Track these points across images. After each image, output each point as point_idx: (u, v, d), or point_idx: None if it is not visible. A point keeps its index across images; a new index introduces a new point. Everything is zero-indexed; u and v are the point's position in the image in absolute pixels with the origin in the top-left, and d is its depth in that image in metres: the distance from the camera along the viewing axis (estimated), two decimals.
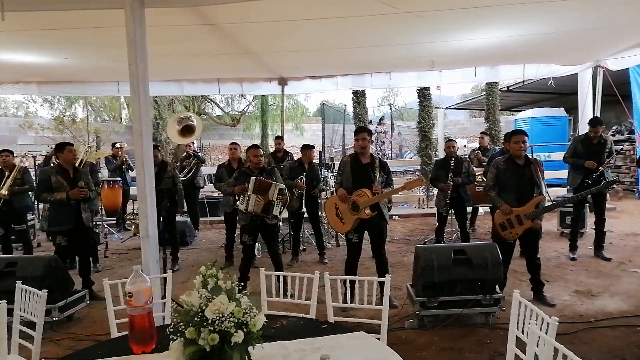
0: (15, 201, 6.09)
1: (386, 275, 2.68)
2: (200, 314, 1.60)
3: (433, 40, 5.81)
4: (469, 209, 7.64)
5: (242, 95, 19.33)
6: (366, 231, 4.57)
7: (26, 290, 2.60)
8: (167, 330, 1.68)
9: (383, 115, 20.09)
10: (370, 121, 15.71)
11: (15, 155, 6.51)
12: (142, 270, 2.04)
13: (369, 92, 14.61)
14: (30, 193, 6.78)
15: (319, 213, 6.70)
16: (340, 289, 2.75)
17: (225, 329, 1.56)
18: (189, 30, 4.93)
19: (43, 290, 2.49)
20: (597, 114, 7.84)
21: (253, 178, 4.72)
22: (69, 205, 4.85)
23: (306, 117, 23.36)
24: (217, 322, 1.56)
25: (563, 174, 10.52)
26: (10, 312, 2.52)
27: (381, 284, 2.65)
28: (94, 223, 5.34)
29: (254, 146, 5.10)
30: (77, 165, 6.24)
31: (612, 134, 13.00)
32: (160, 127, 14.11)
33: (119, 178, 7.89)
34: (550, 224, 7.65)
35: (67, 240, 4.90)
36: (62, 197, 4.78)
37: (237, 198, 4.92)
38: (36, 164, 9.96)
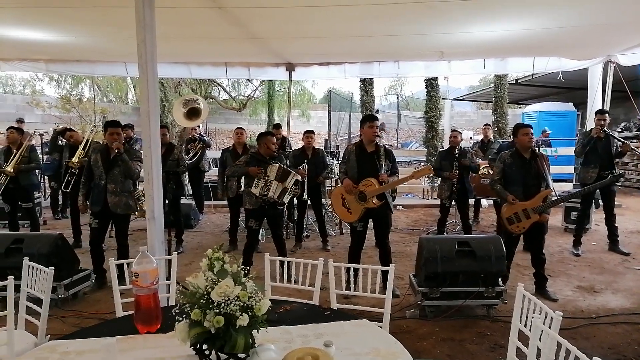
0: (21, 179, 6.11)
1: (390, 264, 2.69)
2: (206, 296, 1.62)
3: (443, 31, 5.74)
4: (472, 201, 7.63)
5: (249, 80, 19.27)
6: (371, 220, 4.58)
7: (33, 267, 2.63)
8: (173, 311, 1.70)
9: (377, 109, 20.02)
10: (377, 110, 15.63)
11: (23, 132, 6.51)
12: (147, 251, 2.05)
13: (376, 81, 14.52)
14: (36, 171, 6.80)
15: (322, 200, 6.71)
16: (344, 276, 2.75)
17: (231, 312, 1.57)
18: (198, 13, 4.90)
19: (50, 268, 2.51)
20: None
21: (277, 165, 4.71)
22: (98, 187, 4.63)
23: (313, 104, 23.29)
24: (222, 304, 1.57)
25: (570, 169, 10.51)
26: (17, 288, 2.55)
27: (384, 273, 2.65)
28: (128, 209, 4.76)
29: (271, 133, 5.11)
30: (84, 144, 6.28)
31: (619, 130, 12.91)
32: (166, 109, 14.09)
33: None
34: (555, 219, 7.63)
35: (97, 222, 4.69)
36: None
37: (247, 183, 4.91)
38: (43, 142, 10.00)
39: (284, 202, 4.80)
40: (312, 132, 6.69)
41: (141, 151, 4.48)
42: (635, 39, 6.37)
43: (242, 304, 1.60)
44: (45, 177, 9.18)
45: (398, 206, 9.57)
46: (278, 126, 7.86)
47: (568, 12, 4.94)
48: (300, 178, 4.81)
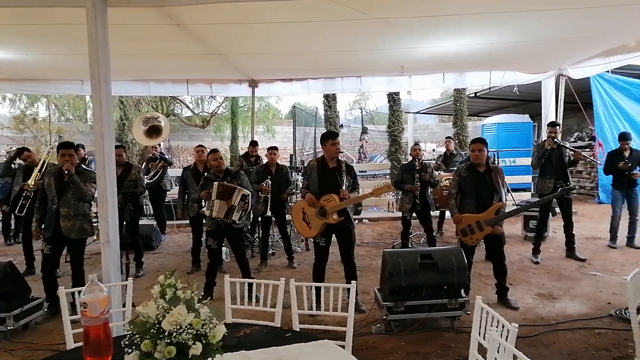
0: None
1: (352, 281, 2.67)
2: (157, 325, 1.55)
3: (402, 46, 5.86)
4: (436, 213, 7.74)
5: (212, 96, 19.10)
6: (334, 235, 4.56)
7: None
8: (122, 342, 1.62)
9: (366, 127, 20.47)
10: (342, 125, 15.78)
11: None
12: (98, 279, 1.96)
13: (341, 96, 14.73)
14: None
15: (287, 217, 6.66)
16: (307, 295, 2.72)
17: (183, 341, 1.51)
18: (156, 29, 4.82)
19: None
20: (560, 121, 8.09)
21: (216, 183, 4.65)
22: (50, 211, 4.45)
23: (277, 119, 23.24)
24: (174, 334, 1.51)
25: (527, 178, 10.87)
26: None
27: (349, 290, 2.63)
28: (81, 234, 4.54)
29: (213, 150, 5.12)
30: (40, 166, 6.02)
31: (573, 140, 13.45)
32: (126, 127, 13.77)
33: None
34: (514, 227, 7.83)
35: (50, 248, 4.45)
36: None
37: (202, 204, 4.86)
38: None
39: (234, 220, 4.66)
40: (275, 148, 6.66)
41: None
42: (583, 53, 6.69)
43: (195, 332, 1.54)
44: None
45: (364, 219, 9.62)
46: (255, 143, 7.80)
47: (518, 28, 5.14)
48: (247, 192, 4.69)
